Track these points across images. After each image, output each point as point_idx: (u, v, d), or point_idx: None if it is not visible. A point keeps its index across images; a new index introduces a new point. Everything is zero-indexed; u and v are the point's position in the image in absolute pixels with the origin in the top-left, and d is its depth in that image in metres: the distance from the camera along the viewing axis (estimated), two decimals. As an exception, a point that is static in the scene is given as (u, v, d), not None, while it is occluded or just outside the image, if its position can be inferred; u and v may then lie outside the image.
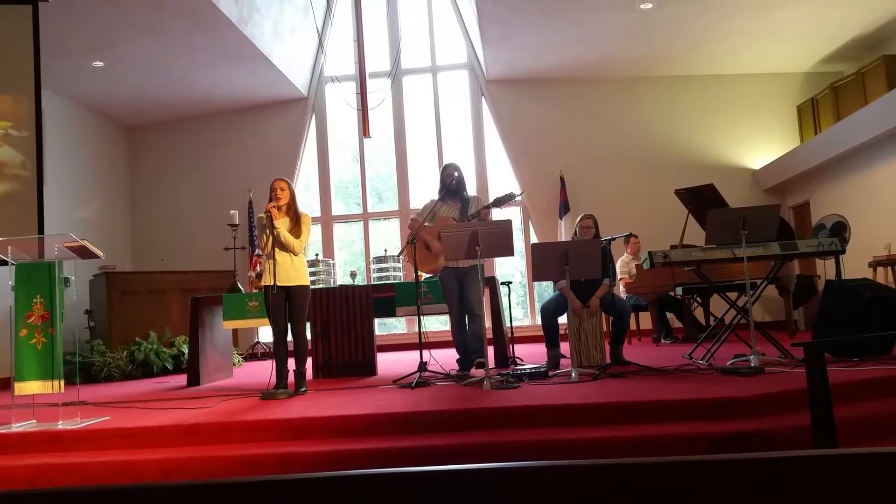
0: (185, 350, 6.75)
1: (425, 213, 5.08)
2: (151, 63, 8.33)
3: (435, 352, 5.42)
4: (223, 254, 7.55)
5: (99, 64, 8.17)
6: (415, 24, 10.54)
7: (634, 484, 0.98)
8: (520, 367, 5.11)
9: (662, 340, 7.51)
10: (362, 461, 3.14)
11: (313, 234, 9.76)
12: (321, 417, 3.60)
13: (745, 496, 0.96)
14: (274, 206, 4.65)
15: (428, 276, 5.76)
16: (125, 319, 7.38)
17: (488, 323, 5.53)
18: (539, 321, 5.38)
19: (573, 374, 4.42)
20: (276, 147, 10.16)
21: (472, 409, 3.58)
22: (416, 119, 10.45)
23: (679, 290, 7.18)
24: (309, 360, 5.17)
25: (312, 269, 6.25)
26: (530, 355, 6.38)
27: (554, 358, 5.24)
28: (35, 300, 3.98)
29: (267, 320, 4.86)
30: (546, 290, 9.63)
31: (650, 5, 7.76)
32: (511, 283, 6.24)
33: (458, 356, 5.18)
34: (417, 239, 5.03)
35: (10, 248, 4.04)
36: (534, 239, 9.80)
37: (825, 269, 7.62)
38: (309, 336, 5.35)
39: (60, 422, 3.78)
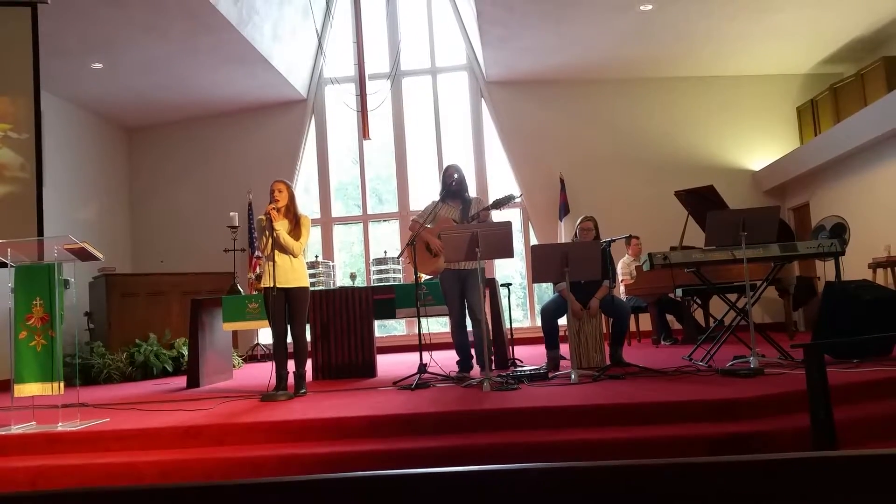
0: (185, 352, 6.75)
1: (426, 214, 5.08)
2: (151, 65, 8.34)
3: (435, 353, 5.42)
4: (223, 256, 7.55)
5: (98, 66, 8.18)
6: (414, 26, 10.55)
7: (634, 486, 0.98)
8: (519, 369, 5.11)
9: (662, 342, 7.51)
10: (362, 463, 3.14)
11: (313, 236, 9.77)
12: (321, 419, 3.60)
13: (745, 498, 0.96)
14: (273, 208, 4.65)
15: (428, 277, 5.76)
16: (125, 321, 7.38)
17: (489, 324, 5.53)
18: (539, 323, 5.38)
19: (573, 376, 4.42)
20: (275, 149, 10.17)
21: (472, 410, 3.58)
22: (416, 121, 10.45)
23: (679, 292, 7.18)
24: (309, 362, 5.17)
25: (312, 271, 6.25)
26: (530, 357, 6.38)
27: (554, 359, 5.24)
28: (35, 302, 3.98)
29: (266, 322, 4.86)
30: (546, 291, 9.63)
31: (650, 7, 7.76)
32: (511, 284, 6.24)
33: (457, 358, 5.18)
34: (418, 239, 5.03)
35: (9, 250, 4.04)
36: (534, 240, 9.80)
37: (825, 271, 7.62)
38: (308, 338, 5.35)
39: (60, 423, 3.78)
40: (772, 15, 7.93)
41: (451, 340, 5.14)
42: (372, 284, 6.40)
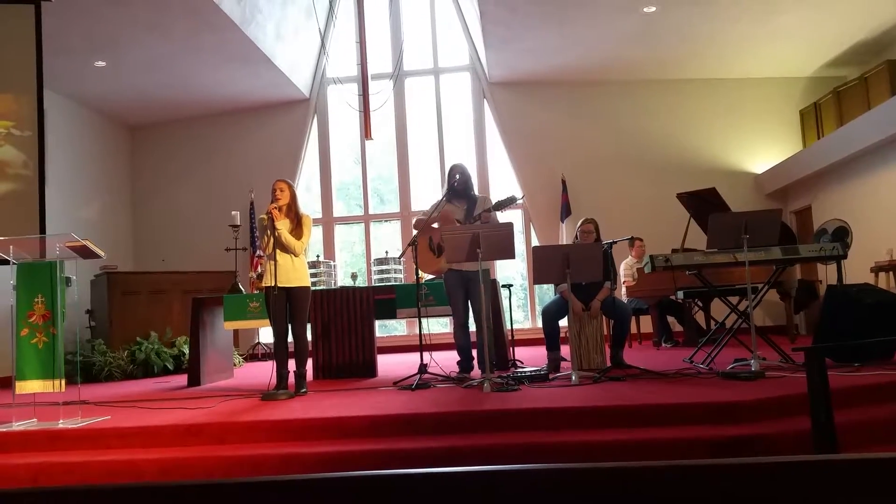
0: (186, 350, 6.76)
1: (431, 213, 5.09)
2: (154, 63, 8.35)
3: (435, 354, 5.42)
4: (224, 254, 7.56)
5: (101, 64, 8.19)
6: (417, 27, 10.55)
7: (634, 488, 0.98)
8: (520, 370, 5.10)
9: (663, 344, 7.51)
10: (362, 463, 3.14)
11: (314, 236, 9.76)
12: (321, 418, 3.60)
13: (746, 501, 0.96)
14: (275, 207, 4.65)
15: (430, 277, 5.76)
16: (126, 319, 7.38)
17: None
18: (540, 324, 5.37)
19: (573, 377, 4.41)
20: (277, 148, 10.18)
21: (473, 411, 3.58)
22: (418, 121, 10.45)
23: (680, 294, 7.17)
24: (309, 362, 5.17)
25: (313, 271, 6.25)
26: (531, 358, 6.38)
27: (554, 361, 5.24)
28: (36, 299, 3.98)
29: (267, 321, 4.87)
30: (547, 292, 9.63)
31: (653, 9, 7.76)
32: (512, 285, 6.24)
33: (458, 358, 5.18)
34: (422, 239, 5.03)
35: (11, 247, 4.04)
36: (535, 242, 9.79)
37: (827, 274, 7.61)
38: (309, 337, 5.35)
39: (61, 421, 3.78)
40: (775, 18, 7.92)
41: (451, 341, 5.14)
42: (373, 284, 6.40)
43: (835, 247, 4.85)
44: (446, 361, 5.42)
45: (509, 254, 4.51)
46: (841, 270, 5.27)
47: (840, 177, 8.20)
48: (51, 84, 7.61)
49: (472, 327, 5.02)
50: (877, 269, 7.11)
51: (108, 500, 0.99)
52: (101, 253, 4.22)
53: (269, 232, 4.63)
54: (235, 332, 7.37)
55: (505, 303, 6.07)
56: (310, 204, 10.24)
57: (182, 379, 6.11)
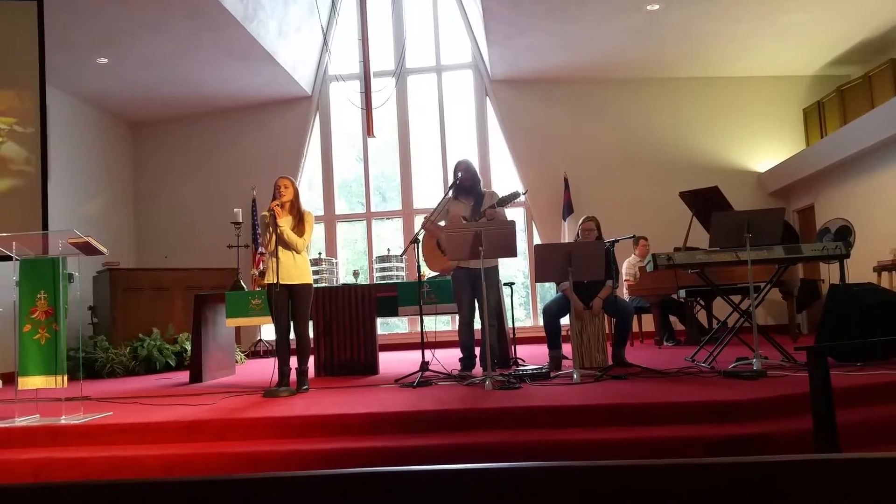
0: (188, 347, 6.77)
1: (437, 211, 5.09)
2: (156, 60, 8.35)
3: (437, 351, 5.42)
4: (226, 251, 7.57)
5: (104, 60, 8.19)
6: (419, 24, 10.55)
7: (635, 486, 0.98)
8: (521, 368, 5.10)
9: (665, 343, 7.51)
10: (363, 460, 3.15)
11: (316, 233, 9.77)
12: (323, 416, 3.60)
13: (747, 500, 0.96)
14: (277, 205, 4.65)
15: (434, 274, 5.76)
16: (128, 316, 7.40)
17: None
18: (541, 322, 5.37)
19: (575, 376, 4.41)
20: (280, 145, 10.18)
21: (474, 409, 3.58)
22: (421, 118, 10.45)
23: (682, 293, 7.16)
24: (311, 359, 5.18)
25: (315, 268, 6.26)
26: (532, 356, 6.38)
27: (556, 359, 5.24)
28: (39, 296, 3.99)
29: (269, 318, 4.87)
30: (549, 290, 9.62)
31: (657, 7, 7.74)
32: (514, 283, 6.23)
33: (460, 356, 5.18)
34: (430, 236, 5.03)
35: (14, 243, 4.05)
36: (537, 240, 9.79)
37: (829, 274, 7.59)
38: (311, 334, 5.35)
39: (63, 416, 3.79)
40: (779, 16, 7.90)
41: (453, 338, 5.14)
42: (375, 282, 6.40)
43: (837, 246, 4.84)
44: (448, 359, 5.42)
45: (511, 252, 4.50)
46: (843, 269, 5.26)
47: (843, 176, 8.19)
48: (53, 81, 7.62)
49: (477, 325, 5.01)
50: (879, 269, 7.10)
51: (109, 496, 0.99)
52: (104, 249, 4.23)
53: (271, 229, 4.63)
54: (237, 328, 7.39)
55: (507, 301, 6.07)
56: (312, 201, 10.24)
57: (184, 375, 6.12)
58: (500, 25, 8.33)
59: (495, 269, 5.06)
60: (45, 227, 6.33)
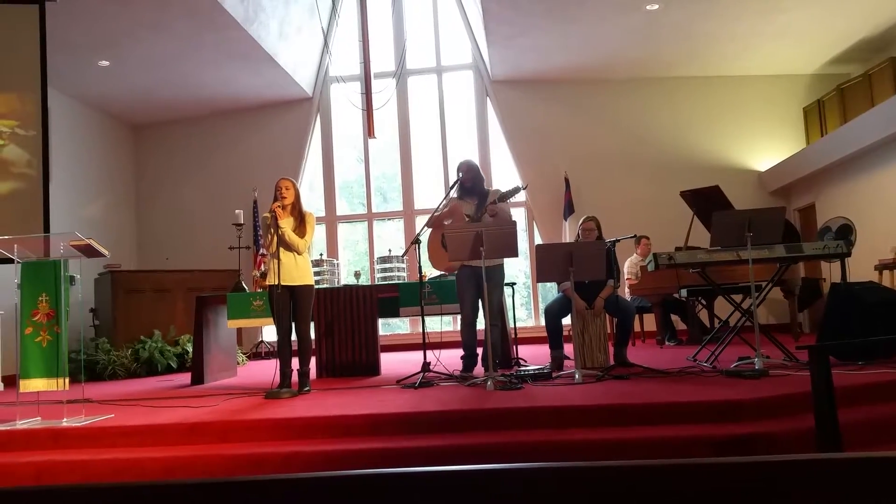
0: (190, 349, 6.77)
1: (442, 210, 5.10)
2: (157, 62, 8.36)
3: (440, 352, 5.42)
4: (228, 253, 7.57)
5: (105, 63, 8.20)
6: (420, 25, 10.55)
7: (637, 486, 0.98)
8: (523, 368, 5.10)
9: (666, 342, 7.50)
10: (365, 461, 3.14)
11: (317, 234, 9.77)
12: (324, 417, 3.60)
13: (749, 499, 0.96)
14: (279, 206, 4.66)
15: (435, 274, 5.76)
16: (130, 318, 7.40)
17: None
18: (543, 322, 5.37)
19: (577, 376, 4.41)
20: (280, 147, 10.19)
21: (476, 409, 3.57)
22: (421, 119, 10.45)
23: (684, 292, 7.16)
24: (312, 360, 5.18)
25: (317, 269, 6.26)
26: (534, 356, 6.37)
27: (557, 359, 5.24)
28: (40, 298, 3.99)
29: (271, 319, 4.87)
30: (550, 290, 9.62)
31: (656, 7, 7.74)
32: (515, 283, 6.23)
33: (462, 356, 5.18)
34: (435, 235, 5.04)
35: (16, 246, 4.05)
36: (538, 240, 9.79)
37: (830, 272, 7.59)
38: (313, 336, 5.36)
39: (65, 419, 3.79)
40: (778, 15, 7.90)
41: (455, 339, 5.13)
42: (376, 283, 6.40)
43: (839, 244, 4.83)
44: (449, 360, 5.42)
45: (512, 252, 4.50)
46: (845, 268, 5.25)
47: (844, 174, 8.18)
48: (55, 83, 7.63)
49: (480, 325, 5.01)
50: (881, 267, 7.09)
51: (111, 499, 0.99)
52: (105, 252, 4.23)
53: (272, 230, 4.63)
54: (239, 330, 7.39)
55: (508, 301, 6.07)
56: (313, 202, 10.25)
57: (185, 377, 6.12)
58: (500, 26, 8.33)
59: (500, 268, 5.04)
60: (46, 229, 6.33)
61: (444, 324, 6.21)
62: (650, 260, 5.08)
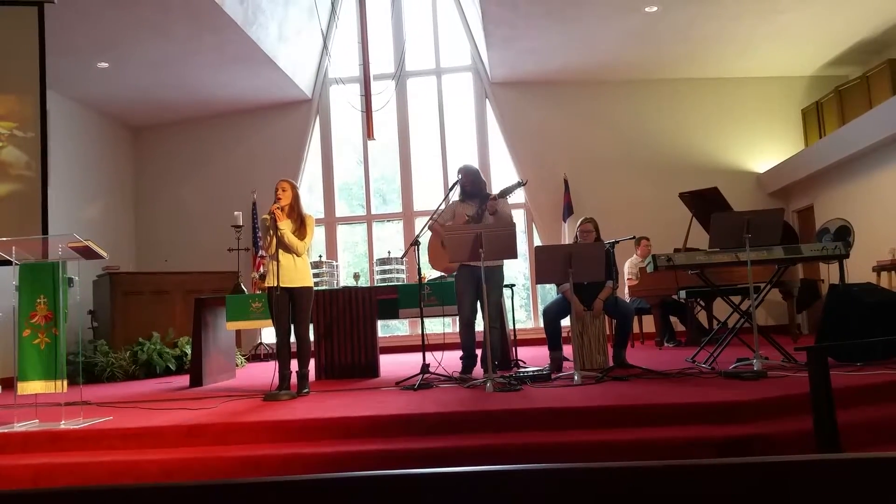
0: (188, 351, 6.76)
1: (442, 211, 5.11)
2: (156, 64, 8.36)
3: (438, 354, 5.42)
4: (227, 255, 7.57)
5: (104, 65, 8.20)
6: (419, 27, 10.56)
7: (637, 488, 0.98)
8: (522, 370, 5.10)
9: (665, 344, 7.50)
10: (364, 463, 3.14)
11: (317, 236, 9.75)
12: (323, 419, 3.60)
13: (748, 500, 0.96)
14: (278, 208, 4.65)
15: (434, 276, 5.76)
16: (128, 320, 7.39)
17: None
18: (542, 324, 5.37)
19: (576, 377, 4.41)
20: (280, 148, 10.19)
21: (475, 411, 3.57)
22: (421, 121, 10.46)
23: (682, 294, 7.16)
24: (312, 362, 5.18)
25: (316, 271, 6.25)
26: (533, 358, 6.37)
27: (556, 360, 5.24)
28: (39, 300, 3.99)
29: (270, 321, 4.87)
30: (549, 292, 9.62)
31: (655, 8, 7.75)
32: (514, 285, 6.23)
33: (461, 357, 5.17)
34: (435, 236, 5.04)
35: (14, 248, 4.05)
36: (537, 241, 9.80)
37: (829, 274, 7.60)
38: (312, 337, 5.35)
39: (63, 421, 3.78)
40: (777, 17, 7.91)
41: (454, 341, 5.14)
42: (375, 284, 6.40)
43: (837, 246, 4.84)
44: (449, 361, 5.42)
45: (511, 253, 4.50)
46: (843, 270, 5.26)
47: (842, 176, 8.19)
48: (53, 85, 7.62)
49: (479, 327, 5.01)
50: (879, 269, 7.10)
51: (109, 501, 0.99)
52: (104, 253, 4.22)
53: (271, 232, 4.63)
54: (238, 332, 7.38)
55: (507, 303, 6.07)
56: (312, 204, 10.25)
57: (184, 379, 6.11)
58: (499, 28, 8.34)
59: (499, 269, 5.05)
60: (44, 231, 6.32)
61: (444, 325, 6.23)
62: (649, 261, 5.08)
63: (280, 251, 4.63)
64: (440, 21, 10.53)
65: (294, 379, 4.71)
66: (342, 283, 7.06)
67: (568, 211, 9.48)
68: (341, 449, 3.26)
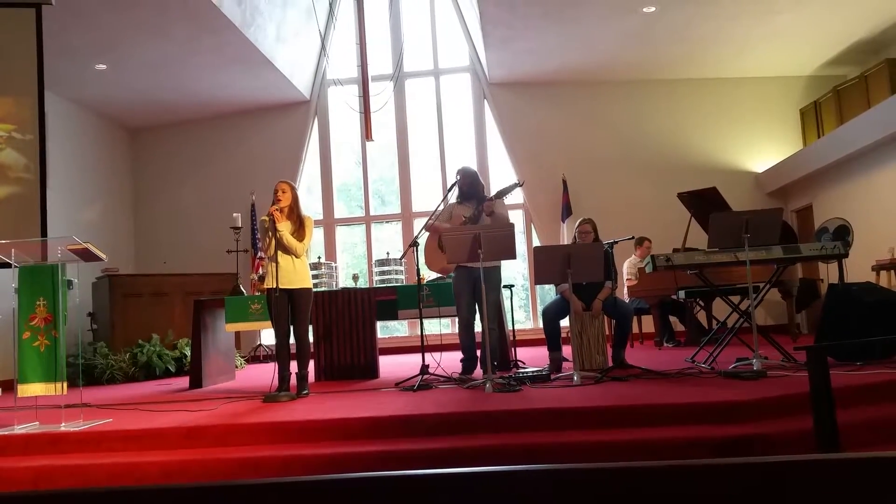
0: (188, 352, 6.76)
1: (440, 213, 5.12)
2: (155, 66, 8.36)
3: (437, 355, 5.42)
4: (226, 256, 7.56)
5: (102, 67, 8.20)
6: (417, 28, 10.56)
7: (636, 488, 0.98)
8: (522, 370, 5.10)
9: (665, 344, 7.51)
10: (364, 464, 3.14)
11: (315, 237, 9.75)
12: (323, 420, 3.60)
13: (748, 500, 0.96)
14: (277, 209, 4.65)
15: (432, 277, 5.76)
16: (128, 322, 7.39)
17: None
18: (541, 324, 5.37)
19: (575, 378, 4.41)
20: (278, 150, 10.18)
21: (474, 412, 3.57)
22: (419, 122, 10.46)
23: (682, 294, 7.16)
24: (311, 363, 5.17)
25: (315, 272, 6.26)
26: (532, 358, 6.37)
27: (556, 361, 5.24)
28: (38, 302, 3.99)
29: (269, 323, 4.87)
30: (548, 292, 9.62)
31: (653, 9, 7.76)
32: (513, 286, 6.23)
33: (461, 358, 5.17)
34: (433, 237, 5.04)
35: (13, 250, 4.05)
36: (536, 242, 9.80)
37: (828, 273, 7.60)
38: (311, 339, 5.35)
39: (63, 424, 3.78)
40: (775, 17, 7.92)
41: (453, 342, 5.14)
42: (374, 286, 6.40)
43: (836, 245, 4.84)
44: (448, 362, 5.42)
45: (510, 254, 4.50)
46: (842, 269, 5.27)
47: (840, 175, 8.20)
48: (52, 87, 7.62)
49: (477, 328, 5.01)
50: (878, 268, 7.11)
51: (109, 503, 0.99)
52: (103, 256, 4.22)
53: (270, 233, 4.63)
54: (237, 333, 7.38)
55: (506, 303, 6.07)
56: (311, 205, 10.25)
57: (184, 381, 6.11)
58: (496, 28, 8.34)
59: (497, 270, 5.05)
60: (44, 233, 6.32)
61: (442, 326, 6.24)
62: (648, 262, 5.09)
63: (279, 252, 4.63)
64: (438, 22, 10.53)
65: (293, 380, 4.71)
66: (341, 285, 7.06)
67: (566, 211, 9.48)
68: (341, 450, 3.26)
